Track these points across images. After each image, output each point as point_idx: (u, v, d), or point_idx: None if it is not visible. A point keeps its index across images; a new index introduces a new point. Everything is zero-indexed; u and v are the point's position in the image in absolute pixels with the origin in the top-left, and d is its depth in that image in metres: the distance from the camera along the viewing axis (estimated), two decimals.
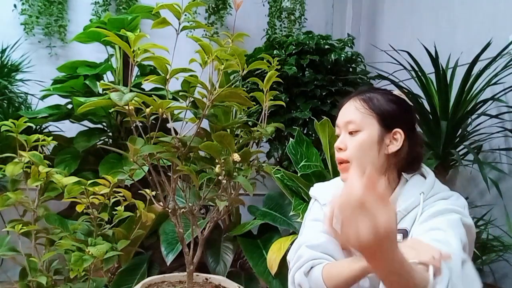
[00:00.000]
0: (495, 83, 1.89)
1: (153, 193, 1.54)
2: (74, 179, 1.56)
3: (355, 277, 0.94)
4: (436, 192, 1.07)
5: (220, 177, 1.35)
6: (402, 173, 1.11)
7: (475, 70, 1.87)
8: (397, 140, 1.08)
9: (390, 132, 1.08)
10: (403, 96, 1.14)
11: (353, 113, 1.10)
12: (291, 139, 2.18)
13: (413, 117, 1.14)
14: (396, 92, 1.16)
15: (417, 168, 1.12)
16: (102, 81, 2.34)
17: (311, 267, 1.02)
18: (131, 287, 2.02)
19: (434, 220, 0.99)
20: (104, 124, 2.59)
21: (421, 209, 1.03)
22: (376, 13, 3.26)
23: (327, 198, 1.17)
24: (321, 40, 2.52)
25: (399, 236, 1.02)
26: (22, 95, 2.55)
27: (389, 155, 1.08)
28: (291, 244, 1.94)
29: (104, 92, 2.28)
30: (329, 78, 2.48)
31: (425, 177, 1.11)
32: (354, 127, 1.08)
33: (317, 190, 1.23)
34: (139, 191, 1.58)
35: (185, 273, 1.51)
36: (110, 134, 2.57)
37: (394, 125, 1.08)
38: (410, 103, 1.14)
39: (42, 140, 1.67)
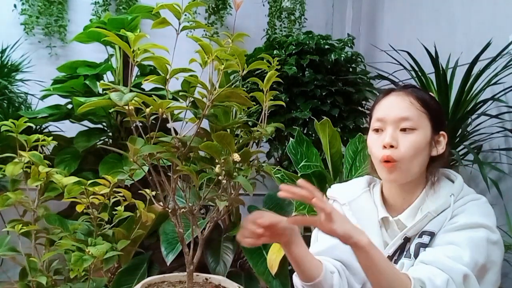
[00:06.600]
0: (495, 83, 1.89)
1: (153, 193, 1.54)
2: (74, 179, 1.56)
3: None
4: (465, 194, 1.04)
5: (220, 177, 1.35)
6: (428, 173, 1.08)
7: (475, 70, 1.86)
8: (440, 144, 1.05)
9: (436, 135, 1.05)
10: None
11: (408, 109, 1.02)
12: (291, 139, 2.17)
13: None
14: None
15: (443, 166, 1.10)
16: (102, 81, 2.33)
17: None
18: (131, 287, 2.02)
19: (457, 234, 0.97)
20: (104, 124, 2.59)
21: (451, 212, 1.00)
22: (376, 13, 3.25)
23: (346, 197, 1.15)
24: (321, 40, 2.52)
25: (427, 238, 1.00)
26: (22, 95, 2.56)
27: (430, 158, 1.05)
28: None
29: (104, 92, 2.28)
30: (329, 78, 2.48)
31: (451, 181, 1.09)
32: (411, 124, 1.01)
33: (336, 191, 1.21)
34: (139, 191, 1.58)
35: (185, 273, 1.51)
36: (110, 134, 2.57)
37: (440, 127, 1.06)
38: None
39: (42, 140, 1.66)
